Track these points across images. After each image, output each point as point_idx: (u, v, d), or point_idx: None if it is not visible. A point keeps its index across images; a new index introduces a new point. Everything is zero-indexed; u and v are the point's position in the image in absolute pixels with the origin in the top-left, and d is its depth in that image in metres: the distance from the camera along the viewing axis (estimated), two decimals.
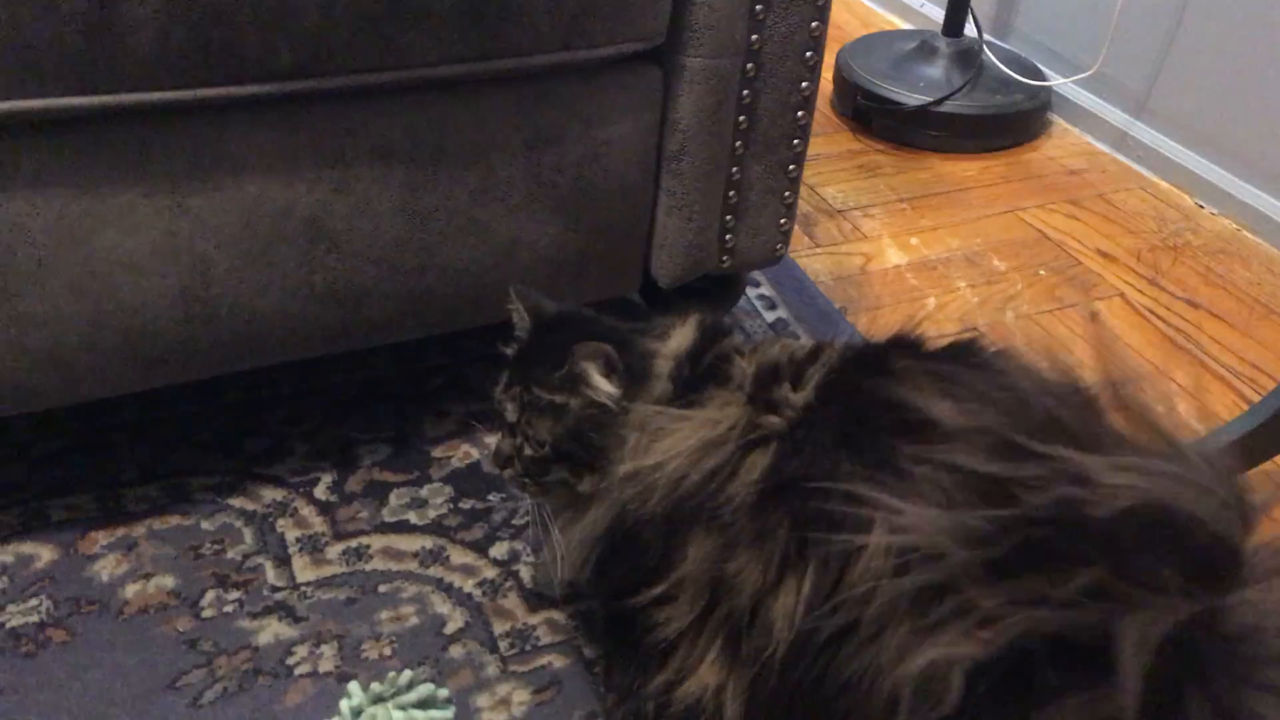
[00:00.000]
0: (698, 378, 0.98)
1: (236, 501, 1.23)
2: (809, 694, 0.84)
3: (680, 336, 1.02)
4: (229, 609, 1.11)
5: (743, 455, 0.91)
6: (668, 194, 1.25)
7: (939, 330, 1.59)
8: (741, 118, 1.24)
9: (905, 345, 0.98)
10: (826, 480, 0.85)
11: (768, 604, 0.86)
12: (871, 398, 0.90)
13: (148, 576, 1.14)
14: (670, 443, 0.93)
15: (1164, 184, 1.97)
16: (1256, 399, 1.33)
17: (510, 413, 1.01)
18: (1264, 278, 1.73)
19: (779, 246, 1.38)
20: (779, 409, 0.91)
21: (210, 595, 1.12)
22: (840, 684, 0.82)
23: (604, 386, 0.97)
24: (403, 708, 0.94)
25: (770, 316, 1.59)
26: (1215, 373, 1.53)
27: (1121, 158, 2.05)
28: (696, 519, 0.91)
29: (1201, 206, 1.91)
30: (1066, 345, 1.57)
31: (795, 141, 1.28)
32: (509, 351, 1.07)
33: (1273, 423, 1.28)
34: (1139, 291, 1.69)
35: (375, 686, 0.95)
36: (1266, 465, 1.33)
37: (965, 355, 0.96)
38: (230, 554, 1.17)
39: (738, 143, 1.25)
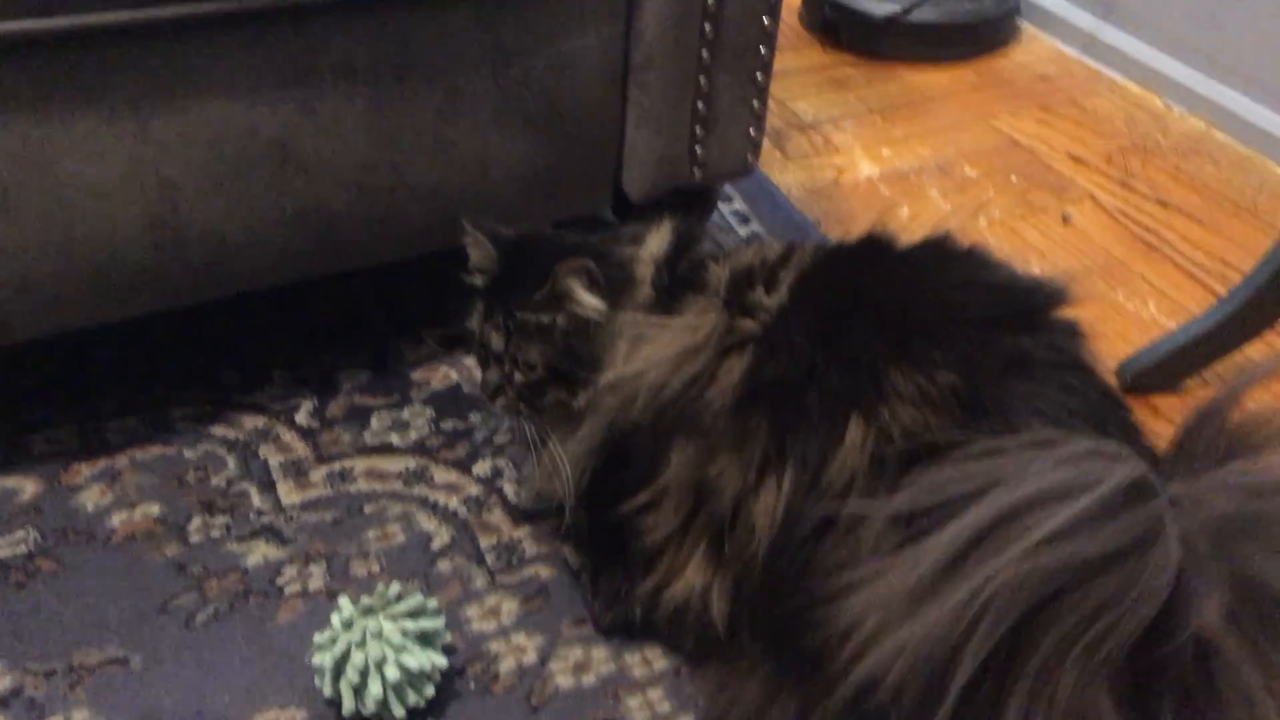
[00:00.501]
0: (676, 283, 0.99)
1: (218, 430, 1.23)
2: (792, 586, 0.85)
3: (656, 241, 1.02)
4: (216, 533, 1.12)
5: (720, 360, 0.91)
6: (636, 106, 1.24)
7: (912, 239, 1.59)
8: (707, 26, 1.23)
9: (877, 244, 0.99)
10: (804, 381, 0.86)
11: (749, 504, 0.88)
12: (845, 298, 0.91)
13: (133, 505, 1.14)
14: (650, 350, 0.94)
15: (1133, 86, 1.97)
16: (1225, 293, 1.34)
17: (496, 341, 1.01)
18: (1232, 175, 1.74)
19: (750, 157, 1.38)
20: (754, 313, 0.92)
21: (196, 521, 1.13)
22: (822, 577, 0.83)
23: (589, 301, 0.97)
24: (393, 618, 0.95)
25: (744, 231, 1.59)
26: (1185, 270, 1.54)
27: (1091, 61, 2.05)
28: (678, 426, 0.92)
29: (1170, 107, 1.91)
30: (1038, 249, 1.58)
31: (762, 49, 1.28)
32: (478, 282, 1.07)
33: (1240, 314, 1.30)
34: (1109, 194, 1.70)
35: (365, 599, 0.97)
36: (1237, 357, 1.35)
37: (936, 252, 0.97)
38: (214, 480, 1.17)
39: (704, 52, 1.25)
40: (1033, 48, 2.11)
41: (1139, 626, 0.70)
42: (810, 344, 0.88)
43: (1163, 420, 1.30)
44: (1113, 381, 1.32)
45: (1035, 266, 1.55)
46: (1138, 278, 1.53)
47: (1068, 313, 0.92)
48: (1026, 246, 1.59)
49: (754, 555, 0.88)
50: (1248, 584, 0.72)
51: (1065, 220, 1.64)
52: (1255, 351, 1.38)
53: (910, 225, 1.63)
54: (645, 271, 1.00)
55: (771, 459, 0.87)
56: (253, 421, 1.25)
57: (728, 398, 0.90)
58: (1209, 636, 0.70)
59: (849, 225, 1.62)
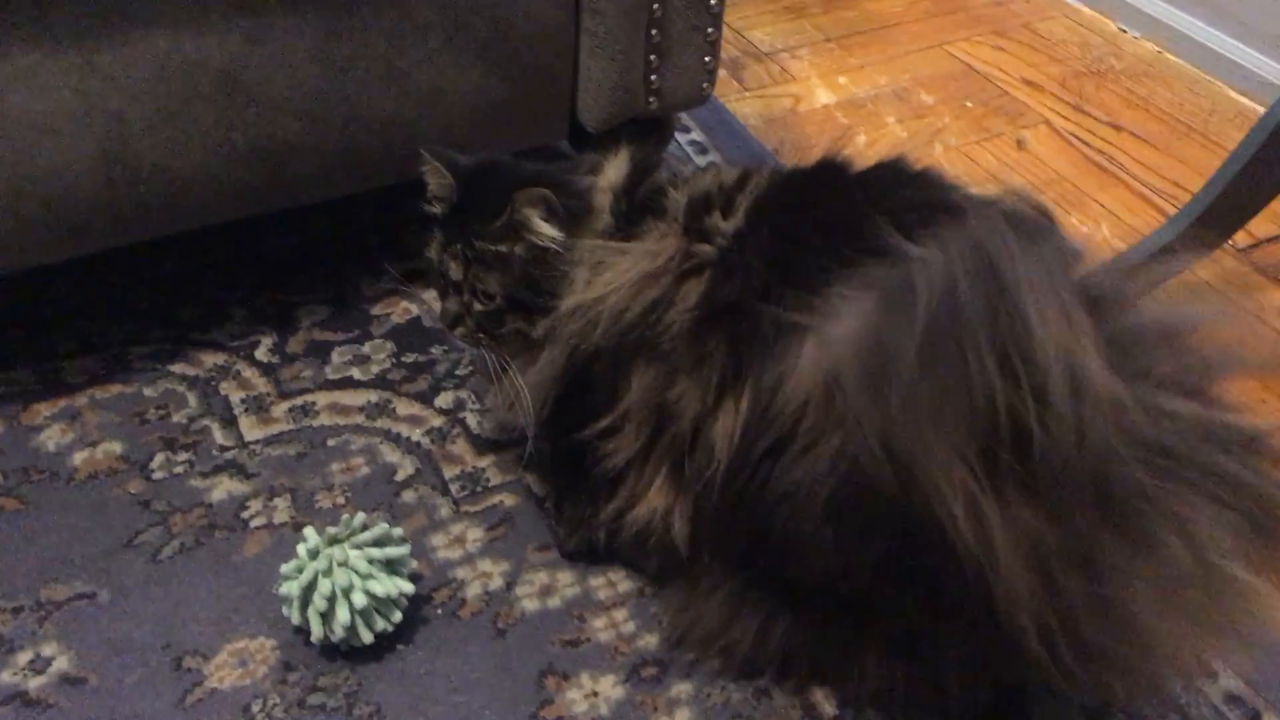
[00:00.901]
0: (635, 211, 0.99)
1: (177, 368, 1.23)
2: (750, 505, 0.87)
3: (614, 169, 1.02)
4: (179, 470, 1.12)
5: (678, 284, 0.92)
6: (589, 35, 1.24)
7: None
8: None
9: (832, 168, 1.00)
10: (758, 302, 0.87)
11: (708, 426, 0.89)
12: (799, 221, 0.91)
13: (94, 444, 1.14)
14: (611, 275, 0.94)
15: (1086, 10, 1.98)
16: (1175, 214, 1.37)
17: (454, 271, 1.00)
18: (1184, 97, 1.75)
19: (705, 86, 1.38)
20: (711, 238, 0.93)
21: (159, 458, 1.13)
22: (779, 494, 0.85)
23: (547, 230, 0.97)
24: (359, 546, 0.97)
25: (702, 161, 1.59)
26: (1137, 191, 1.56)
27: None
28: (639, 351, 0.93)
29: (1124, 30, 1.92)
30: (994, 174, 1.59)
31: None
32: (437, 210, 1.06)
33: (1187, 235, 1.32)
34: (1064, 118, 1.71)
35: (330, 530, 0.98)
36: (1187, 276, 1.38)
37: (889, 175, 0.98)
38: (176, 418, 1.18)
39: None
40: None
41: None
42: (765, 266, 0.89)
43: None
44: None
45: (991, 191, 1.56)
46: (1091, 201, 1.55)
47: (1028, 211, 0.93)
48: (982, 171, 1.60)
49: (713, 477, 0.89)
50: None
51: (1020, 145, 1.65)
52: (1204, 271, 1.40)
53: (867, 152, 1.63)
54: (604, 200, 1.00)
55: (729, 381, 0.88)
56: (212, 358, 1.25)
57: (686, 320, 0.91)
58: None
59: (807, 154, 1.60)
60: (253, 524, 1.08)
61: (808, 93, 1.77)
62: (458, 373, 1.25)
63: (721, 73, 1.77)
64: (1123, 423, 0.72)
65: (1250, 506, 0.75)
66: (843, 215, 0.91)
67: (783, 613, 0.92)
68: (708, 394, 0.89)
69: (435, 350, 1.27)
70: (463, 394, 1.22)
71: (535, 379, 1.00)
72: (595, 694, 0.95)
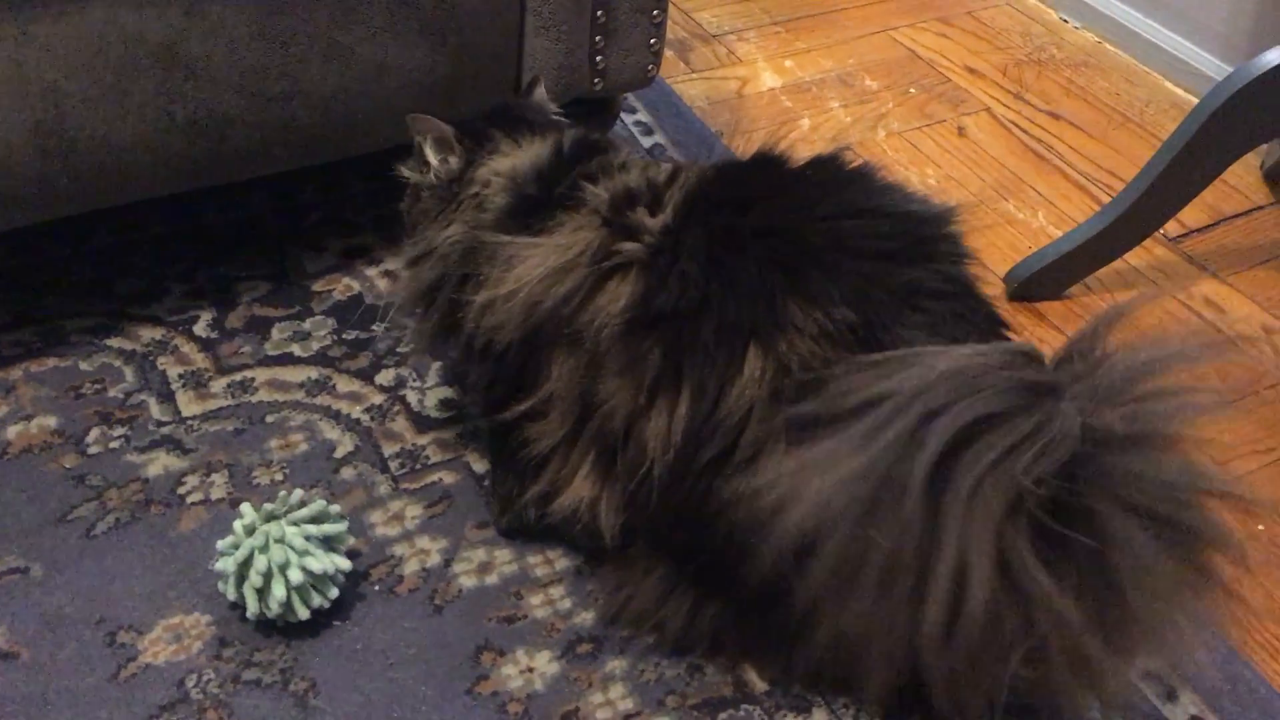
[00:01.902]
0: (552, 200, 0.98)
1: (114, 342, 1.22)
2: (692, 513, 0.89)
3: (525, 155, 1.03)
4: (115, 445, 1.12)
5: (600, 281, 0.92)
6: (534, 14, 1.24)
7: (812, 150, 1.61)
8: None
9: (767, 164, 1.00)
10: (697, 310, 0.87)
11: (640, 425, 0.89)
12: (737, 222, 0.91)
13: (29, 418, 1.13)
14: (522, 270, 0.94)
15: None
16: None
17: None
18: (1122, 88, 1.78)
19: (650, 67, 1.38)
20: (636, 234, 0.92)
21: (95, 433, 1.13)
22: (722, 503, 0.86)
23: (432, 160, 1.05)
24: (296, 523, 0.97)
25: (647, 142, 1.60)
26: (1074, 180, 1.59)
27: None
28: (557, 340, 0.93)
29: (1065, 20, 1.95)
30: (934, 160, 1.62)
31: None
32: (406, 173, 1.10)
33: (1119, 224, 1.35)
34: (1004, 105, 1.74)
35: (268, 506, 0.98)
36: (1118, 264, 1.41)
37: (827, 173, 0.98)
38: (112, 393, 1.17)
39: None
40: None
41: (1056, 464, 0.76)
42: (703, 272, 0.88)
43: (1048, 326, 1.36)
44: (1000, 289, 1.38)
45: (931, 177, 1.58)
46: (1028, 188, 1.57)
47: (954, 233, 0.95)
48: (923, 158, 1.62)
49: (648, 475, 0.90)
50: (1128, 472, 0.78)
51: (960, 132, 1.68)
52: (1135, 259, 1.44)
53: (811, 136, 1.65)
54: (500, 184, 1.02)
55: (664, 383, 0.88)
56: (150, 333, 1.24)
57: (616, 323, 0.90)
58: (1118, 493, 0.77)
59: (752, 136, 1.63)
60: (189, 500, 1.08)
61: (754, 76, 1.78)
62: (399, 350, 1.25)
63: (669, 54, 1.78)
64: None
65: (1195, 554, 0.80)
66: (782, 218, 0.91)
67: (715, 596, 0.93)
68: (640, 393, 0.89)
69: (377, 328, 1.27)
70: (404, 371, 1.22)
71: (461, 363, 1.03)
72: (531, 669, 0.97)
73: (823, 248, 0.88)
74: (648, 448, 0.89)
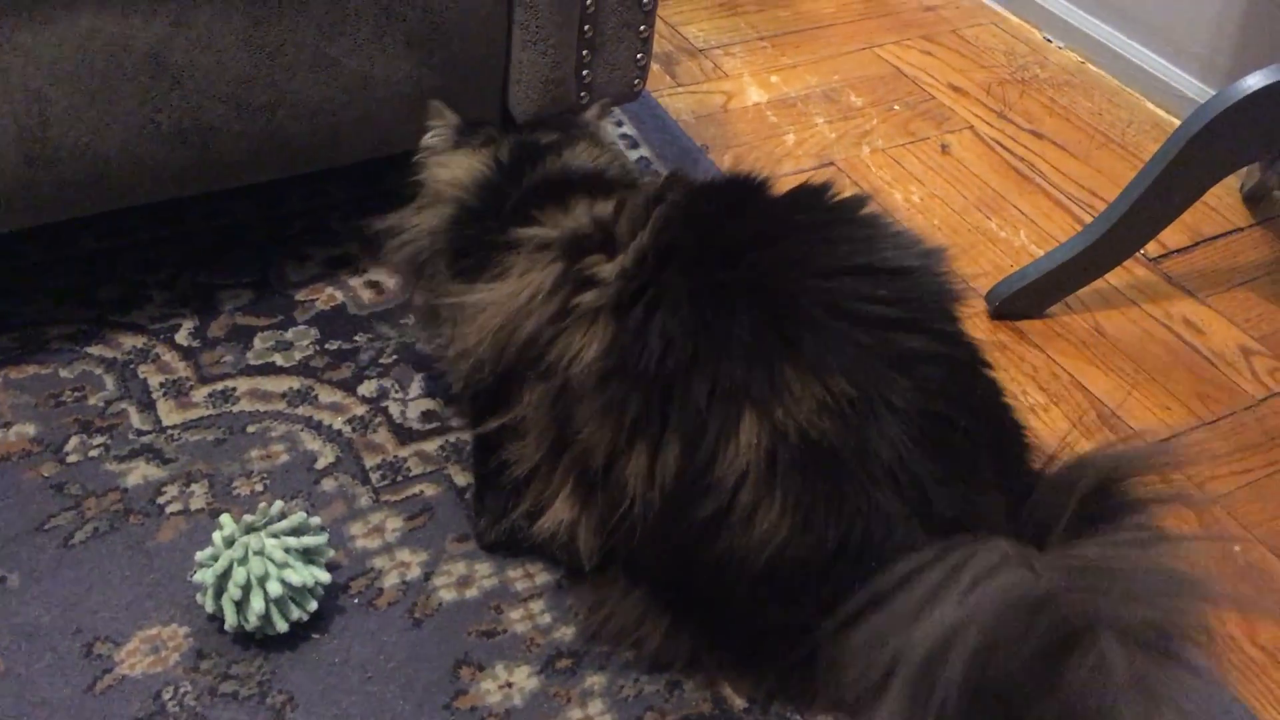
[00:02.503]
0: (497, 243, 0.98)
1: (95, 349, 1.22)
2: (681, 557, 0.89)
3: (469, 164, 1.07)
4: (94, 453, 1.11)
5: (570, 333, 0.91)
6: (521, 27, 1.24)
7: (797, 166, 1.63)
8: None
9: (748, 197, 0.98)
10: (689, 373, 0.86)
11: (620, 463, 0.89)
12: (725, 278, 0.89)
13: (7, 425, 1.13)
14: (482, 321, 0.95)
15: (1014, 18, 2.02)
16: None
17: None
18: (1104, 108, 1.80)
19: (637, 82, 1.38)
20: (597, 282, 0.92)
21: (74, 441, 1.12)
22: (714, 557, 0.87)
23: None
24: (275, 535, 0.96)
25: (633, 155, 1.60)
26: (1055, 199, 1.60)
27: None
28: (525, 376, 0.94)
29: (1049, 40, 1.96)
30: (918, 178, 1.63)
31: None
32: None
33: (1100, 244, 1.36)
34: (988, 124, 1.75)
35: (247, 517, 0.97)
36: (1099, 284, 1.42)
37: (814, 215, 0.97)
38: (92, 401, 1.16)
39: None
40: None
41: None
42: (687, 331, 0.87)
43: (1028, 345, 1.36)
44: (982, 307, 1.39)
45: (915, 194, 1.59)
46: (1011, 206, 1.58)
47: (946, 281, 0.94)
48: (907, 175, 1.63)
49: (628, 511, 0.90)
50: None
51: (944, 150, 1.69)
52: (1116, 279, 1.45)
53: (796, 152, 1.66)
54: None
55: (646, 428, 0.88)
56: (131, 341, 1.23)
57: (589, 373, 0.90)
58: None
59: (736, 151, 1.64)
60: (168, 510, 1.07)
61: (739, 90, 1.79)
62: (382, 361, 1.25)
63: (655, 67, 1.78)
64: None
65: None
66: (774, 275, 0.89)
67: (691, 616, 0.94)
68: (619, 434, 0.89)
69: (360, 338, 1.27)
70: (386, 382, 1.22)
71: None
72: (510, 684, 0.96)
73: (819, 312, 0.87)
74: (628, 486, 0.89)
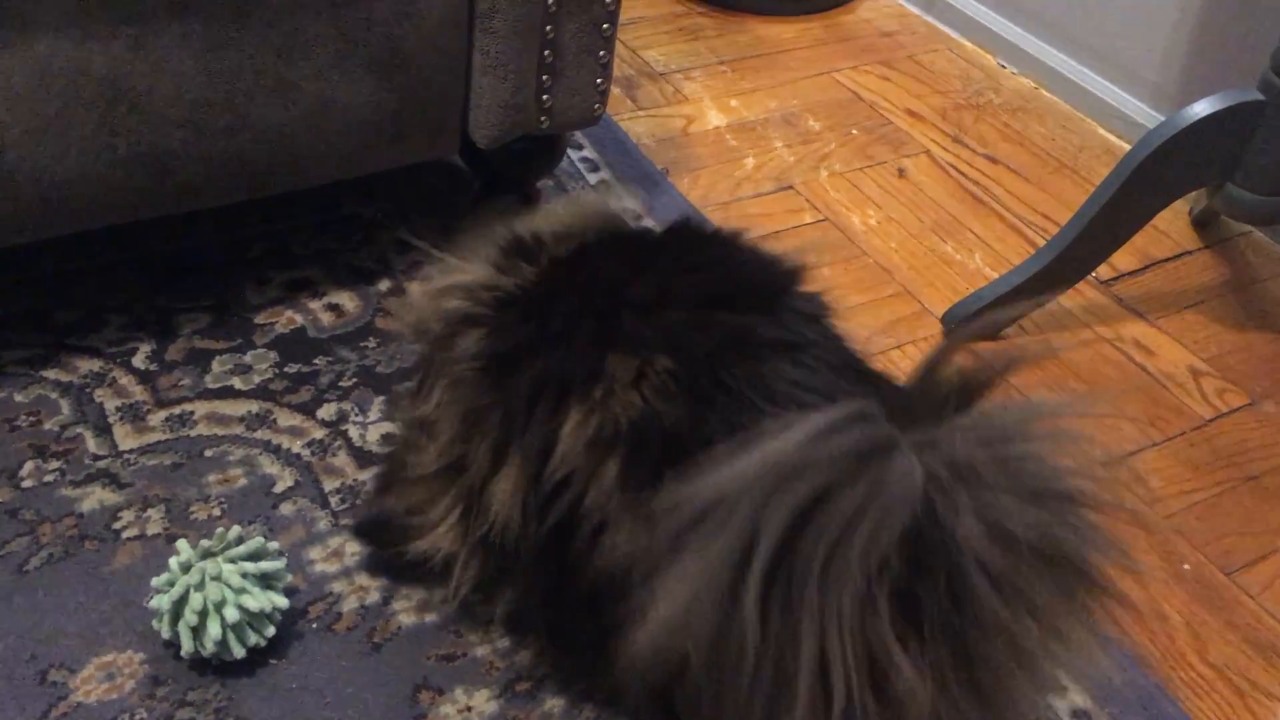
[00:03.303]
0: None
1: (50, 373, 1.21)
2: (570, 586, 0.87)
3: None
4: (49, 478, 1.10)
5: (463, 323, 0.93)
6: (482, 53, 1.25)
7: (756, 189, 1.64)
8: None
9: (625, 239, 1.00)
10: (519, 364, 0.87)
11: (490, 487, 0.88)
12: (565, 277, 0.92)
13: None
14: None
15: (969, 45, 2.05)
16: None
17: None
18: (1057, 133, 1.83)
19: (597, 107, 1.40)
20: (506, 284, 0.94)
21: (29, 466, 1.11)
22: (588, 581, 0.84)
23: None
24: (233, 560, 0.96)
25: (593, 179, 1.61)
26: (1010, 223, 1.63)
27: (931, 19, 2.12)
28: (441, 370, 0.94)
29: (1003, 66, 2.00)
30: (875, 201, 1.65)
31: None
32: None
33: (1053, 266, 1.38)
34: (943, 149, 1.77)
35: (204, 543, 0.97)
36: (1051, 306, 1.44)
37: (680, 235, 0.99)
38: (47, 425, 1.15)
39: (550, 1, 1.26)
40: (877, 5, 2.17)
41: (896, 533, 0.70)
42: (520, 325, 0.89)
43: None
44: (938, 329, 1.41)
45: (872, 218, 1.61)
46: (966, 230, 1.61)
47: (808, 290, 0.93)
48: (864, 198, 1.65)
49: (499, 539, 0.88)
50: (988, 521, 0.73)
51: (901, 174, 1.71)
52: (1068, 301, 1.47)
53: (755, 175, 1.67)
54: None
55: (501, 443, 0.88)
56: (87, 365, 1.22)
57: (464, 368, 0.91)
58: (972, 546, 0.71)
59: (696, 174, 1.66)
60: (124, 535, 1.06)
61: (699, 114, 1.81)
62: (341, 384, 1.24)
63: (615, 91, 1.80)
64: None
65: (1071, 568, 0.76)
66: (610, 274, 0.91)
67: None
68: (488, 454, 0.88)
69: (319, 361, 1.27)
70: (346, 406, 1.22)
71: None
72: (469, 709, 0.96)
73: (644, 299, 0.87)
74: (491, 509, 0.87)
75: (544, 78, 1.32)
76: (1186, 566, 1.16)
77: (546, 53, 1.30)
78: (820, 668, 0.72)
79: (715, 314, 0.86)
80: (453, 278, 0.96)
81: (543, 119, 1.35)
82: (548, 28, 1.27)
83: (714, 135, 1.76)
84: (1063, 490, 0.76)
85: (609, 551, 0.82)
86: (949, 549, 0.72)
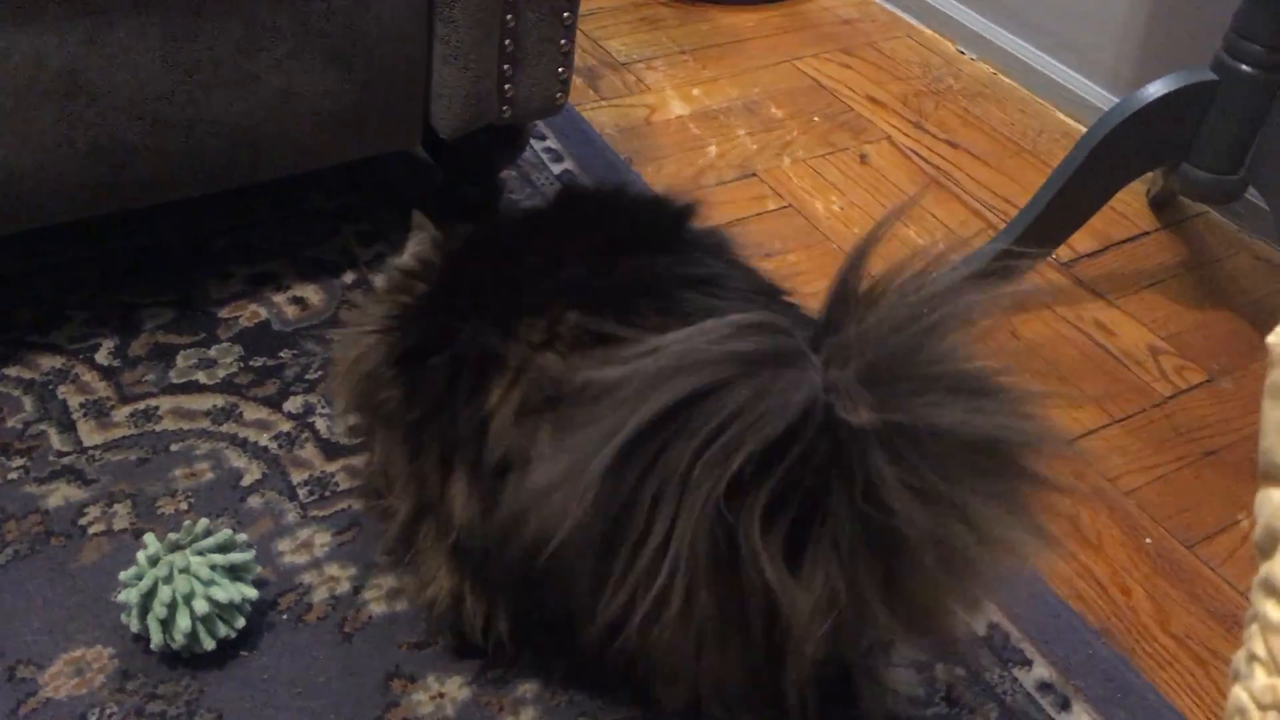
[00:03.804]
0: None
1: (12, 371, 1.20)
2: (538, 586, 0.86)
3: None
4: (13, 476, 1.10)
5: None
6: (442, 43, 1.25)
7: (719, 177, 1.65)
8: None
9: (518, 217, 1.04)
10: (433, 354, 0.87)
11: (446, 496, 0.88)
12: (461, 266, 0.93)
13: None
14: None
15: (928, 31, 2.07)
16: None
17: None
18: (1016, 118, 1.85)
19: (559, 96, 1.40)
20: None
21: None
22: (543, 567, 0.81)
23: None
24: (201, 553, 0.96)
25: (557, 169, 1.61)
26: (971, 206, 1.64)
27: (890, 7, 2.14)
28: (373, 419, 0.96)
29: (962, 52, 2.01)
30: (838, 187, 1.66)
31: None
32: None
33: (1014, 247, 1.40)
34: (904, 134, 1.79)
35: (172, 536, 0.97)
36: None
37: (567, 199, 1.01)
38: (10, 423, 1.14)
39: None
40: None
41: (768, 438, 0.71)
42: (427, 322, 0.90)
43: None
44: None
45: (835, 204, 1.62)
46: (927, 214, 1.62)
47: (705, 224, 0.93)
48: (827, 184, 1.66)
49: (455, 544, 0.88)
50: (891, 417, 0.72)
51: (862, 160, 1.72)
52: (1027, 283, 1.49)
53: (718, 163, 1.68)
54: None
55: (444, 452, 0.87)
56: (50, 361, 1.21)
57: (393, 388, 0.92)
58: (880, 452, 0.71)
59: (659, 163, 1.67)
60: (91, 531, 1.06)
61: (662, 103, 1.81)
62: (307, 376, 1.24)
63: (578, 81, 1.80)
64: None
65: (1000, 459, 0.75)
66: (503, 248, 0.92)
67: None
68: (435, 467, 0.88)
69: (285, 354, 1.26)
70: (312, 398, 1.22)
71: None
72: (441, 695, 0.97)
73: (541, 263, 0.87)
74: (453, 516, 0.87)
75: (505, 67, 1.31)
76: (1148, 540, 1.18)
77: (507, 42, 1.30)
78: (662, 555, 0.72)
79: (615, 261, 0.86)
80: (358, 338, 0.96)
81: (505, 109, 1.35)
82: (508, 17, 1.27)
83: (677, 124, 1.77)
84: (980, 383, 0.76)
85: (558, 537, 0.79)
86: (860, 457, 0.71)
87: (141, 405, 1.18)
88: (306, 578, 1.04)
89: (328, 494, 1.12)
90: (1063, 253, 1.54)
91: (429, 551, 0.93)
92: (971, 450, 0.73)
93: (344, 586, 1.04)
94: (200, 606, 0.93)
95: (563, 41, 1.34)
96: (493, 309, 0.85)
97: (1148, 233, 1.63)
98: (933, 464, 0.72)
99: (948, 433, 0.72)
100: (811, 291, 0.89)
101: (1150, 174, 1.63)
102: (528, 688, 0.98)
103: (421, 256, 0.98)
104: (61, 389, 1.19)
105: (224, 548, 0.98)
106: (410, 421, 0.90)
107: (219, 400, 1.20)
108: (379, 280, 1.00)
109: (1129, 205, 1.65)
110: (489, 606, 0.92)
